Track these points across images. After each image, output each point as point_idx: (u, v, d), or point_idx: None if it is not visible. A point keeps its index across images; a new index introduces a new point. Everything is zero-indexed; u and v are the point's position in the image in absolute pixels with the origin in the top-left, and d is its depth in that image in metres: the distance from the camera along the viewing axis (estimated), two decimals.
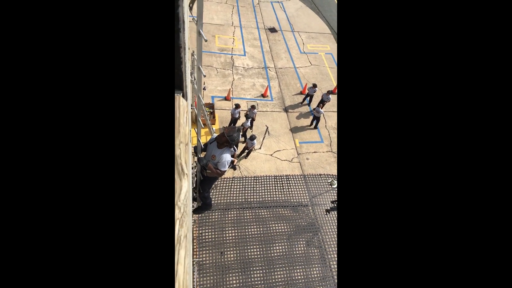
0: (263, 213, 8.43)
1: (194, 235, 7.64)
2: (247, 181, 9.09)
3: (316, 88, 11.31)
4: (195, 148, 4.38)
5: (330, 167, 10.02)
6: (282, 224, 8.30)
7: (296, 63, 13.54)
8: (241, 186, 8.91)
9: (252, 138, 8.99)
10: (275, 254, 7.73)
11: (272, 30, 15.04)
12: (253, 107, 9.83)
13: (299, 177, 9.53)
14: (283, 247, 7.89)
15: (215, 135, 3.95)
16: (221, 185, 8.80)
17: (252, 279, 7.23)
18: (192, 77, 3.27)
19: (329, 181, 9.51)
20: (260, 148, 10.02)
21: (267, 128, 9.90)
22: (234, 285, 7.07)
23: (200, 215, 7.82)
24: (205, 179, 4.35)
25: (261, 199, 8.73)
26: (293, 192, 9.08)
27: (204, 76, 3.08)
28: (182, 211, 0.95)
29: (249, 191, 8.84)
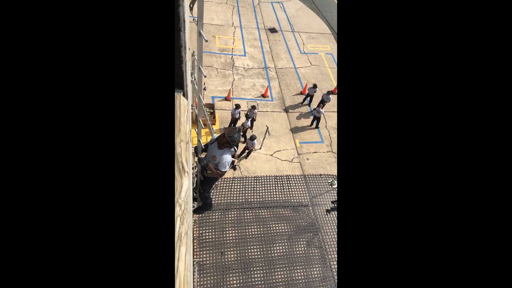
0: (263, 213, 8.43)
1: (195, 235, 7.64)
2: (247, 181, 9.09)
3: (317, 89, 11.31)
4: (195, 148, 4.39)
5: (331, 167, 10.02)
6: (282, 224, 8.30)
7: (296, 63, 13.54)
8: (241, 186, 8.91)
9: (252, 138, 8.99)
10: (276, 254, 7.72)
11: (272, 30, 15.05)
12: (253, 107, 9.84)
13: (299, 177, 9.52)
14: (284, 247, 7.89)
15: (216, 135, 3.95)
16: (222, 185, 8.80)
17: (253, 279, 7.23)
18: (192, 78, 3.28)
19: (329, 181, 9.51)
20: (260, 148, 10.02)
21: (268, 128, 9.90)
22: (235, 285, 7.07)
23: (200, 215, 7.83)
24: (206, 179, 4.36)
25: (261, 199, 8.73)
26: (293, 192, 9.08)
27: (205, 76, 3.09)
28: (182, 208, 0.95)
29: (249, 191, 8.84)
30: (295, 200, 8.90)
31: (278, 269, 7.49)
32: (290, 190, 9.12)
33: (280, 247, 7.87)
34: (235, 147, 3.83)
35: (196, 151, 4.32)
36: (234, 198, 8.63)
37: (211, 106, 10.48)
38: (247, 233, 7.97)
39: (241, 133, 9.66)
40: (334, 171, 9.88)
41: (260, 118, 10.69)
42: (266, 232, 8.07)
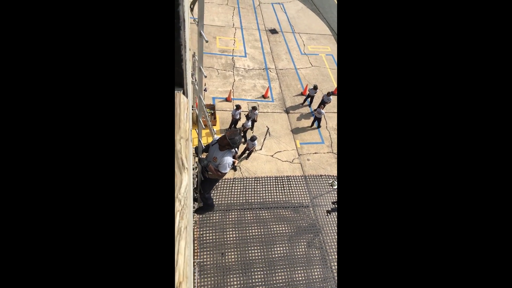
0: (264, 214, 8.43)
1: (195, 236, 7.64)
2: (248, 182, 9.09)
3: (317, 90, 11.33)
4: (196, 149, 4.40)
5: (331, 168, 10.02)
6: (283, 225, 8.29)
7: (297, 64, 13.56)
8: (242, 187, 8.92)
9: (253, 139, 9.00)
10: (276, 255, 7.72)
11: (273, 31, 15.09)
12: (254, 108, 9.85)
13: (300, 178, 9.52)
14: (284, 248, 7.88)
15: (217, 137, 3.97)
16: (222, 186, 8.81)
17: (253, 280, 7.22)
18: (193, 78, 3.29)
19: (330, 182, 9.50)
20: (261, 149, 10.03)
21: (268, 129, 9.92)
22: (235, 286, 7.06)
23: (201, 216, 7.83)
24: (206, 180, 4.38)
25: (262, 200, 8.73)
26: (294, 193, 9.07)
27: (205, 76, 3.10)
28: (182, 203, 0.96)
29: (250, 192, 8.84)
30: (295, 201, 8.90)
31: (279, 270, 7.48)
32: (290, 191, 9.12)
33: (281, 248, 7.86)
34: (236, 149, 3.85)
35: (197, 152, 4.34)
36: (235, 199, 8.63)
37: (212, 107, 10.50)
38: (248, 234, 7.97)
39: (242, 134, 9.66)
40: (334, 171, 9.87)
41: (261, 119, 10.70)
42: (267, 233, 8.07)
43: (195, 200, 5.16)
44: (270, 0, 17.13)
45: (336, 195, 9.16)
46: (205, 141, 8.92)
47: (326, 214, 8.72)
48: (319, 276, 7.58)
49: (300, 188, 9.25)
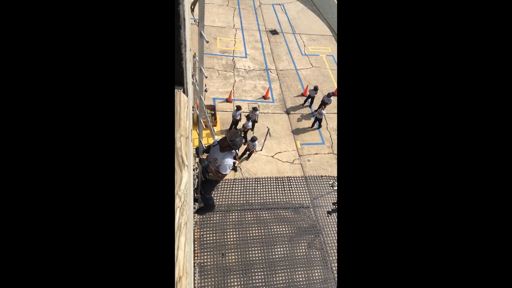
0: (264, 215, 8.43)
1: (196, 236, 7.64)
2: (248, 182, 9.09)
3: (318, 91, 11.33)
4: (196, 149, 4.41)
5: (332, 168, 10.01)
6: (283, 226, 8.29)
7: (297, 65, 13.58)
8: (242, 188, 8.92)
9: (253, 139, 9.01)
10: (276, 256, 7.71)
11: (273, 32, 15.12)
12: (254, 109, 9.85)
13: (300, 178, 9.52)
14: (285, 249, 7.87)
15: (218, 138, 3.99)
16: (223, 186, 8.81)
17: (253, 281, 7.21)
18: (193, 79, 3.30)
19: (330, 182, 9.50)
20: (261, 150, 10.03)
21: (268, 129, 9.92)
22: (235, 287, 7.05)
23: (201, 216, 7.83)
24: (207, 181, 4.39)
25: (262, 201, 8.73)
26: (294, 194, 9.07)
27: (206, 77, 3.11)
28: (182, 200, 0.97)
29: (250, 193, 8.84)
30: (296, 202, 8.90)
31: (279, 271, 7.48)
32: (291, 191, 9.11)
33: (281, 249, 7.85)
34: (236, 150, 3.87)
35: (198, 152, 4.35)
36: (235, 199, 8.63)
37: (212, 108, 10.51)
38: (248, 235, 7.96)
39: (242, 135, 9.67)
40: (335, 172, 9.87)
41: (261, 119, 10.71)
42: (267, 233, 8.06)
43: (195, 200, 5.16)
44: (270, 1, 17.17)
45: (336, 195, 9.15)
46: (205, 141, 8.93)
47: (326, 215, 8.71)
48: (320, 277, 7.57)
49: (301, 189, 9.25)
